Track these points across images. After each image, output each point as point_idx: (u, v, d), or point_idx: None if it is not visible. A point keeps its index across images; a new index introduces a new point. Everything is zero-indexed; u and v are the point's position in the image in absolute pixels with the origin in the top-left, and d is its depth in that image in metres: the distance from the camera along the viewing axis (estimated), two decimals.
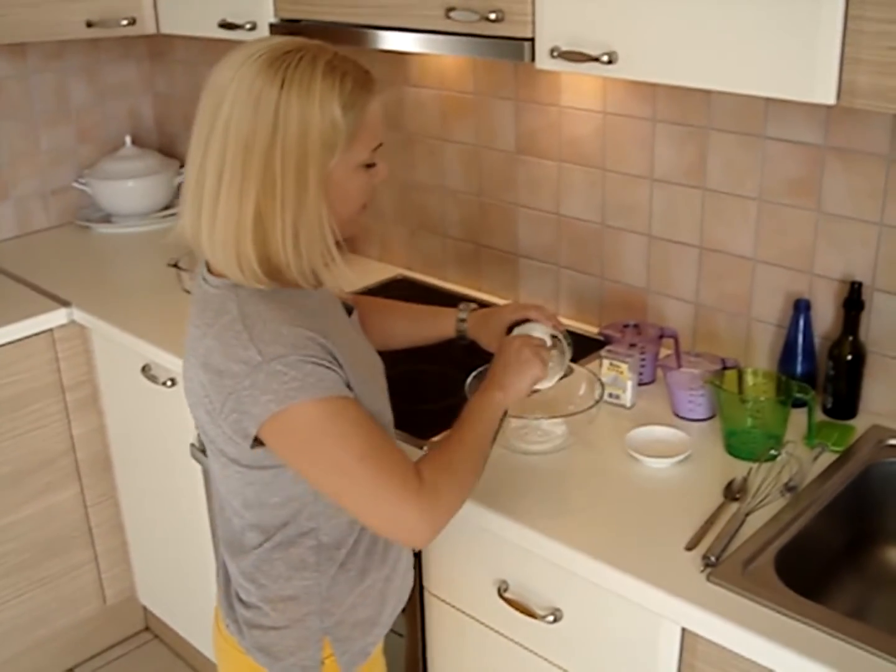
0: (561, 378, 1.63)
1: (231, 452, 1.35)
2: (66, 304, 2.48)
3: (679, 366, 1.85)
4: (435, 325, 1.75)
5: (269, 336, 1.26)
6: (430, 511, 1.31)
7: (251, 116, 1.23)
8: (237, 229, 1.26)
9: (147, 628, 2.93)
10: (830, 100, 1.36)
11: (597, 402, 1.72)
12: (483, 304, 1.85)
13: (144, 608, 2.88)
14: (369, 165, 1.34)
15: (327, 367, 1.27)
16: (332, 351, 1.30)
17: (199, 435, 1.63)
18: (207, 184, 1.27)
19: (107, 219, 3.05)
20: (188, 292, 2.13)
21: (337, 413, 1.28)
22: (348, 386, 1.31)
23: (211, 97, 1.27)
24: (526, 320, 1.63)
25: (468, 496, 1.40)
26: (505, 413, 1.49)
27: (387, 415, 1.47)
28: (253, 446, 1.30)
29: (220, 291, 1.33)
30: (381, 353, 1.58)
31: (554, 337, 1.60)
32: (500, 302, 2.28)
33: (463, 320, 1.71)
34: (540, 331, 1.60)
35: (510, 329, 1.63)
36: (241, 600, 1.48)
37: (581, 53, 1.60)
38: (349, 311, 1.50)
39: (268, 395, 1.25)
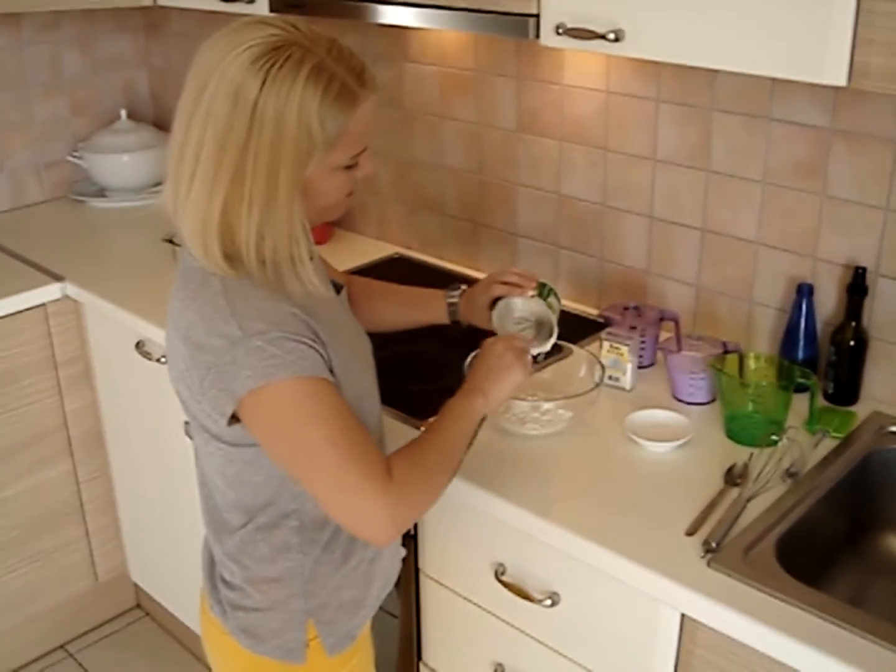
0: (553, 345, 1.61)
1: (212, 428, 1.33)
2: (59, 278, 2.46)
3: (680, 349, 1.83)
4: (427, 311, 1.73)
5: (251, 311, 1.25)
6: (394, 508, 1.26)
7: (229, 112, 1.20)
8: (204, 220, 1.25)
9: (138, 605, 2.92)
10: (842, 81, 1.34)
11: (597, 384, 1.71)
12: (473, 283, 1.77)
13: (136, 585, 2.87)
14: (350, 166, 1.31)
15: (309, 346, 1.25)
16: (315, 329, 1.28)
17: None
18: (185, 167, 1.25)
19: (101, 193, 3.02)
20: None
21: (315, 394, 1.25)
22: (331, 370, 1.29)
23: (196, 78, 1.25)
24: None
25: (436, 500, 1.36)
26: (483, 418, 1.45)
27: (373, 394, 1.45)
28: (230, 423, 1.28)
29: (203, 265, 1.30)
30: (377, 334, 1.56)
31: (534, 296, 1.59)
32: None
33: (454, 305, 1.69)
34: (519, 308, 1.59)
35: (494, 302, 1.62)
36: (224, 581, 1.47)
37: (587, 31, 1.57)
38: (338, 288, 1.48)
39: (247, 371, 1.22)
